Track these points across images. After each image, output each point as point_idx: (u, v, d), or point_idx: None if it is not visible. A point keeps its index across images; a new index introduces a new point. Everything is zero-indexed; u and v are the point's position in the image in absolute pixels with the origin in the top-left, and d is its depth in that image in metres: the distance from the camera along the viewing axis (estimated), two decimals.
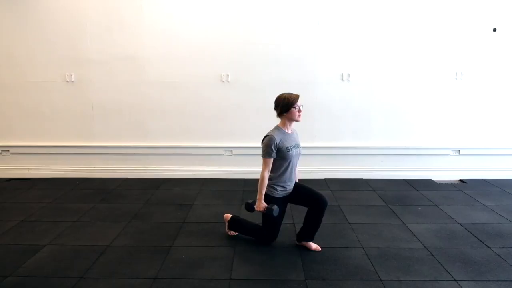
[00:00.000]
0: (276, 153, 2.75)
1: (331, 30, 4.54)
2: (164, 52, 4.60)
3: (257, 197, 2.82)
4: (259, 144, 4.64)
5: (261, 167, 2.80)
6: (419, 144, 4.81)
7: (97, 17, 4.53)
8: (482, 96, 4.71)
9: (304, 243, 2.97)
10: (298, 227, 3.31)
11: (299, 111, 2.76)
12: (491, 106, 4.74)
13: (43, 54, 4.63)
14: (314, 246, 2.96)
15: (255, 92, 4.67)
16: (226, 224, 3.21)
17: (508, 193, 4.29)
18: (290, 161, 2.81)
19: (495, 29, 4.53)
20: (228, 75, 4.66)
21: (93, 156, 4.90)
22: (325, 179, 4.76)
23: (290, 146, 2.78)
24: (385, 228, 3.36)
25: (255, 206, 2.86)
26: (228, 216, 3.21)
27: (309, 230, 2.93)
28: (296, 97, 2.76)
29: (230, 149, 4.86)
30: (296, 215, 3.58)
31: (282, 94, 2.80)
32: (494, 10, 4.50)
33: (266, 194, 2.84)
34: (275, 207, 2.77)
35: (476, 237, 3.19)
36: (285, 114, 2.78)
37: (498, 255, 2.88)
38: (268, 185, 2.84)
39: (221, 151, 4.87)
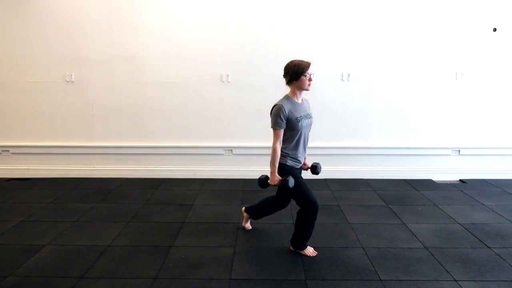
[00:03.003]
0: (286, 123, 2.62)
1: (331, 30, 4.54)
2: (164, 52, 4.60)
3: (270, 170, 2.68)
4: (259, 144, 4.71)
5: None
6: (419, 144, 4.81)
7: (97, 17, 4.53)
8: (482, 96, 4.71)
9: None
10: None
11: (310, 79, 2.62)
12: (491, 106, 4.74)
13: (43, 54, 4.64)
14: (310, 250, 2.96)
15: (255, 92, 4.67)
16: (244, 216, 3.29)
17: (508, 193, 4.29)
18: (300, 132, 2.68)
19: (495, 29, 4.53)
20: (228, 75, 4.66)
21: (93, 156, 4.90)
22: (325, 179, 4.75)
23: (300, 117, 2.65)
24: (385, 228, 3.36)
25: (268, 180, 2.72)
26: (245, 214, 3.29)
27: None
28: (307, 64, 2.61)
29: (230, 149, 4.86)
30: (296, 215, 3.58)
31: (292, 61, 2.64)
32: (494, 10, 4.50)
33: (279, 164, 2.70)
34: (290, 178, 2.61)
35: (476, 237, 3.19)
36: (294, 82, 2.64)
37: (498, 255, 2.88)
38: (280, 155, 2.70)
39: (221, 151, 4.87)
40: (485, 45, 4.58)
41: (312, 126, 2.84)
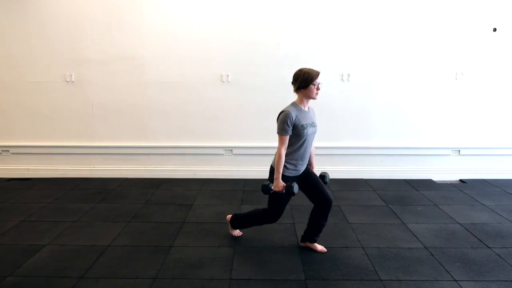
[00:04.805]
0: (292, 130, 2.64)
1: (331, 30, 4.55)
2: (164, 52, 4.60)
3: (275, 176, 2.67)
4: (259, 144, 4.71)
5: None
6: (419, 144, 4.81)
7: (97, 17, 4.53)
8: (482, 96, 4.71)
9: (308, 244, 2.96)
10: (298, 227, 3.33)
11: (318, 88, 2.65)
12: (491, 106, 4.74)
13: (43, 54, 4.64)
14: (319, 247, 2.93)
15: (255, 92, 4.67)
16: (229, 225, 3.19)
17: (508, 193, 4.29)
18: (304, 140, 2.69)
19: (495, 29, 4.53)
20: (228, 75, 4.66)
21: (93, 156, 4.90)
22: None
23: (306, 124, 2.67)
24: (385, 228, 3.36)
25: (272, 186, 2.70)
26: (229, 216, 3.18)
27: (312, 231, 2.90)
28: (317, 73, 2.63)
29: (230, 149, 4.86)
30: (296, 215, 3.58)
31: (302, 69, 2.66)
32: (494, 10, 4.50)
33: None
34: (294, 184, 2.63)
35: (476, 237, 3.19)
36: (302, 90, 2.65)
37: (498, 255, 2.87)
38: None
39: (221, 151, 4.87)
40: (485, 45, 4.58)
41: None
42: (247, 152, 4.82)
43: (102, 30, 4.56)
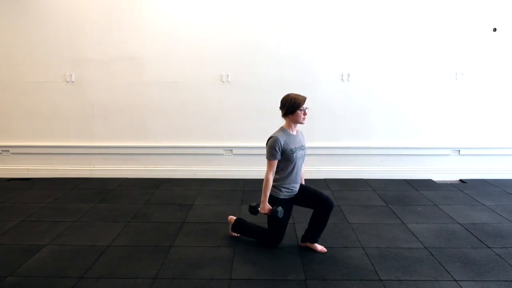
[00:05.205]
0: (281, 155, 2.73)
1: (331, 30, 4.55)
2: (164, 52, 4.60)
3: (262, 199, 2.78)
4: (259, 144, 4.69)
5: (265, 168, 2.77)
6: (419, 144, 4.81)
7: (97, 17, 4.54)
8: (482, 96, 4.71)
9: (308, 244, 2.96)
10: (298, 227, 3.33)
11: (305, 113, 2.72)
12: (491, 106, 4.74)
13: (43, 54, 4.64)
14: (319, 247, 2.93)
15: (255, 92, 4.67)
16: (230, 226, 3.19)
17: (508, 193, 4.29)
18: (295, 163, 2.78)
19: (495, 29, 4.53)
20: (228, 75, 4.66)
21: (93, 156, 4.90)
22: (325, 179, 4.75)
23: (294, 148, 2.76)
24: (385, 228, 3.36)
25: (259, 208, 2.82)
26: (233, 218, 3.18)
27: (313, 232, 2.90)
28: (303, 99, 2.71)
29: (230, 149, 4.86)
30: (296, 215, 3.58)
31: (289, 95, 2.74)
32: (494, 10, 4.50)
33: (270, 195, 2.80)
34: (279, 208, 2.73)
35: (476, 237, 3.19)
36: (290, 115, 2.74)
37: (498, 255, 2.87)
38: (273, 187, 2.81)
39: (221, 151, 4.87)
40: (485, 45, 4.58)
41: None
42: (247, 152, 4.82)
43: (102, 30, 4.56)
